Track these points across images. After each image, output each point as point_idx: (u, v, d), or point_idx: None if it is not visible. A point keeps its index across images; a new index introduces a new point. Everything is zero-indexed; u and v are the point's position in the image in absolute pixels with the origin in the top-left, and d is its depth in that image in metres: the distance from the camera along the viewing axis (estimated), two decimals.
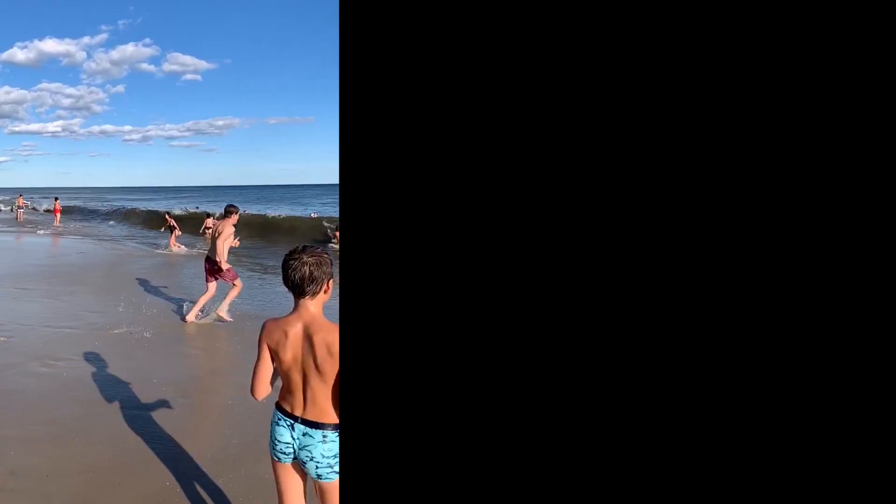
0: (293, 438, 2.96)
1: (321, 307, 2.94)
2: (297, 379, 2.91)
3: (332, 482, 2.94)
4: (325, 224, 25.79)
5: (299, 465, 3.02)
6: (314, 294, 2.89)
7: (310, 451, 2.92)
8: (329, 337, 2.82)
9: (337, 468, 2.91)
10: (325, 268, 2.89)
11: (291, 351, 2.88)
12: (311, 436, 2.92)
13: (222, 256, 9.27)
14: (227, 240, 9.40)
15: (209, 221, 26.60)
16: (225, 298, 9.44)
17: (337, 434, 2.92)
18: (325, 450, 2.92)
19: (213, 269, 9.42)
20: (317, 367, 2.84)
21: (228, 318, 9.32)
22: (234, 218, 9.71)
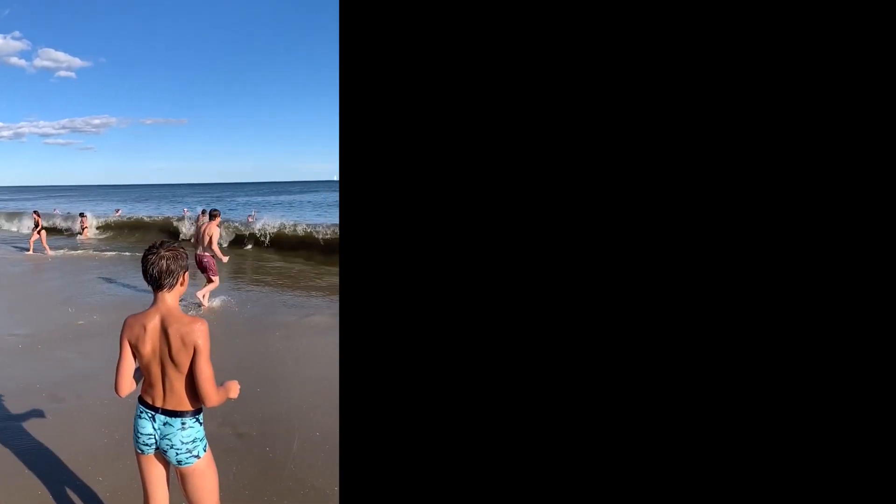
0: (154, 429, 3.04)
1: (177, 300, 3.06)
2: (156, 371, 2.98)
3: (192, 466, 3.06)
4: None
5: (162, 455, 3.10)
6: (171, 287, 3.01)
7: (170, 440, 3.01)
8: (183, 329, 2.92)
9: (196, 452, 3.05)
10: (180, 261, 3.04)
11: (150, 344, 2.96)
12: (171, 424, 3.01)
13: (218, 252, 11.00)
14: (216, 238, 10.95)
15: (85, 221, 25.60)
16: (204, 288, 10.88)
17: (195, 420, 3.05)
18: (184, 436, 3.02)
19: (201, 263, 10.88)
20: (172, 358, 2.93)
21: (208, 304, 10.76)
22: (218, 220, 11.21)
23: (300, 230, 19.92)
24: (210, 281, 10.97)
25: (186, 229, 23.27)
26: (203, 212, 23.14)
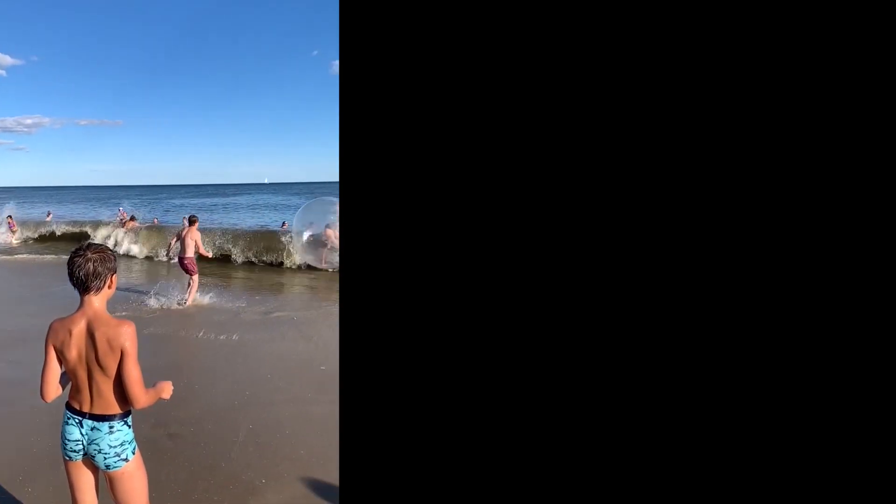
0: (82, 435, 2.97)
1: (105, 303, 3.01)
2: (83, 376, 2.94)
3: (120, 470, 3.01)
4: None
5: (90, 461, 3.04)
6: (98, 289, 2.95)
7: (98, 444, 2.97)
8: (110, 332, 2.87)
9: (124, 455, 3.00)
10: (108, 263, 2.96)
11: (76, 349, 2.90)
12: (98, 429, 2.95)
13: (203, 250, 12.09)
14: (201, 241, 11.94)
15: (13, 223, 24.63)
16: (191, 292, 11.46)
17: (123, 423, 3.00)
18: (112, 440, 2.98)
19: (183, 264, 11.68)
20: (99, 362, 2.87)
21: (193, 301, 11.38)
22: (196, 224, 12.08)
23: (232, 231, 19.64)
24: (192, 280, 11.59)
25: (100, 238, 21.52)
26: (132, 217, 22.51)
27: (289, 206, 49.25)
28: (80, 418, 2.96)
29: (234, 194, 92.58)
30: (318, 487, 4.37)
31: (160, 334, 8.81)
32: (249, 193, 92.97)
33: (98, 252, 2.96)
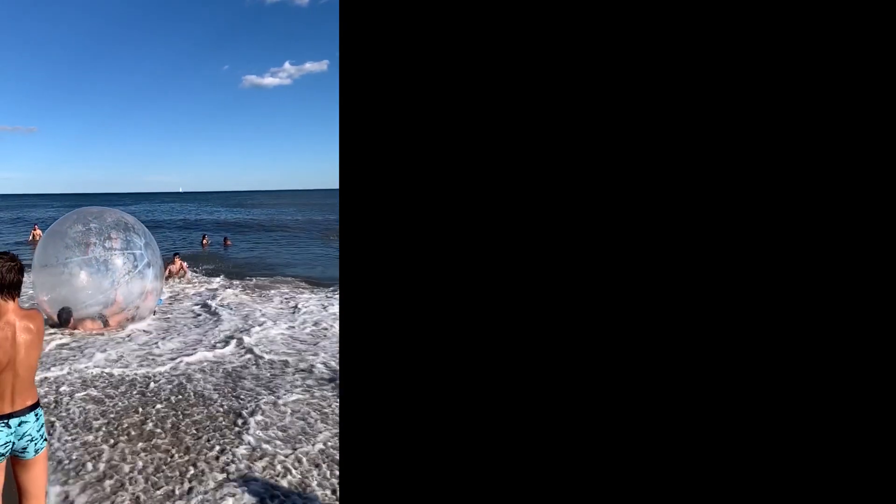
0: (10, 435, 2.89)
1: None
2: (7, 379, 2.85)
3: (45, 449, 3.02)
4: None
5: (8, 459, 2.96)
6: (20, 293, 2.94)
7: (30, 435, 2.95)
8: (31, 322, 2.91)
9: (44, 434, 3.02)
10: (21, 266, 2.99)
11: (3, 354, 2.83)
12: (26, 421, 2.92)
13: None
14: None
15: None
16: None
17: (40, 407, 3.03)
18: (39, 424, 2.99)
19: None
20: (25, 353, 2.86)
21: None
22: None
23: None
24: None
25: None
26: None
27: (206, 216, 47.58)
28: (6, 420, 2.87)
29: (152, 202, 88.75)
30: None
31: None
32: (166, 202, 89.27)
33: (14, 260, 2.93)
